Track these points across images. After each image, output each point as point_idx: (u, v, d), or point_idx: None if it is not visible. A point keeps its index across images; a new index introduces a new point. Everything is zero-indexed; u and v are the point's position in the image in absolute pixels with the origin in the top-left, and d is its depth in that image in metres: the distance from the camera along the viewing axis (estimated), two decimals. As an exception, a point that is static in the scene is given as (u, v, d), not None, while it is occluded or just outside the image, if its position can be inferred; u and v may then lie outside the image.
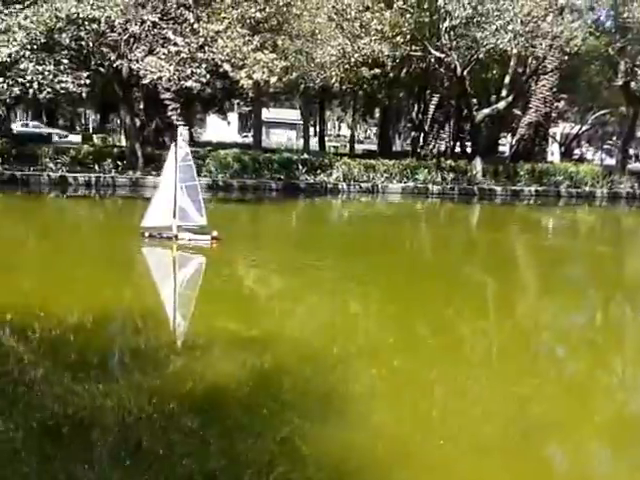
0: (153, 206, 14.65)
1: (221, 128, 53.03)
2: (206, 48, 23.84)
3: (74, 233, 18.25)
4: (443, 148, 39.83)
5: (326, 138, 50.32)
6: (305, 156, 31.18)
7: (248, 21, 25.05)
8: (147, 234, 14.60)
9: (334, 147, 49.80)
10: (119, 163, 28.05)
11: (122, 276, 12.27)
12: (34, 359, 7.68)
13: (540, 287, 13.94)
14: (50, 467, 5.21)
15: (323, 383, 7.25)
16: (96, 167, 27.78)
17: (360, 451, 5.67)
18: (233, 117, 57.38)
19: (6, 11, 22.49)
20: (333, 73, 28.24)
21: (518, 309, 11.89)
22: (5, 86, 23.93)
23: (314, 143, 45.63)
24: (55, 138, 43.47)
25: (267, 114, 48.17)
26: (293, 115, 57.38)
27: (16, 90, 24.11)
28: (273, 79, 25.72)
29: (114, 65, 25.38)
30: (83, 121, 67.95)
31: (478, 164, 31.27)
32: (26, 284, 11.30)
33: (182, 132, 15.26)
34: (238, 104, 53.18)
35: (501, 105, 33.10)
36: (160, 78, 24.01)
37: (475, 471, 5.48)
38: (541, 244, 19.24)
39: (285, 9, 26.49)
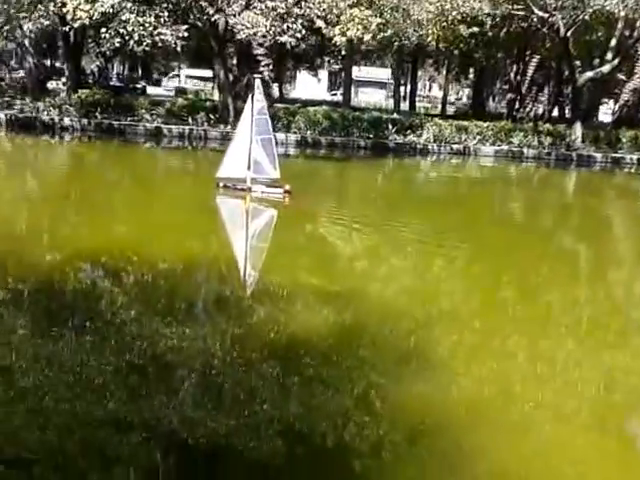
0: (228, 157, 14.81)
1: (311, 85, 52.82)
2: (302, 3, 23.67)
3: (159, 181, 18.95)
4: (541, 111, 38.32)
5: (417, 98, 49.34)
6: (395, 116, 30.66)
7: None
8: (222, 184, 14.80)
9: (425, 108, 48.82)
10: (211, 117, 28.52)
11: (197, 224, 12.43)
12: (125, 301, 8.02)
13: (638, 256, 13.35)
14: (135, 405, 5.43)
15: (404, 342, 7.23)
16: (189, 120, 28.36)
17: (437, 411, 5.66)
18: (323, 75, 57.01)
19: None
20: (429, 31, 27.49)
21: (615, 278, 11.37)
22: (107, 36, 24.69)
23: (404, 103, 44.92)
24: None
25: (357, 72, 47.61)
26: (383, 74, 56.40)
27: (117, 41, 24.84)
28: (367, 36, 25.26)
29: (211, 19, 25.60)
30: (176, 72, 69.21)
31: (578, 129, 29.94)
32: (108, 226, 11.71)
33: (259, 85, 14.99)
34: (329, 62, 52.72)
35: (605, 69, 31.38)
36: (255, 33, 24.08)
37: (554, 438, 5.37)
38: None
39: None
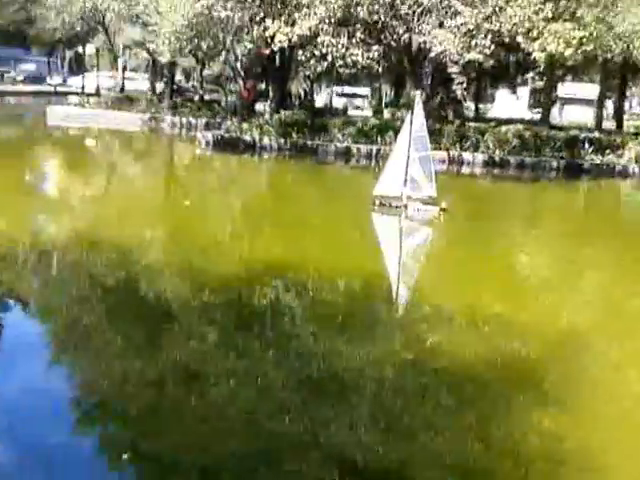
0: (385, 174, 14.83)
1: (510, 103, 51.26)
2: (493, 18, 23.20)
3: (327, 197, 19.32)
4: None
5: (625, 116, 45.74)
6: (593, 134, 28.77)
7: (541, -11, 23.71)
8: (377, 201, 14.86)
9: (635, 127, 45.06)
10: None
11: (357, 240, 12.79)
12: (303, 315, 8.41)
13: None
14: (311, 422, 5.63)
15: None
16: (378, 139, 28.86)
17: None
18: (524, 92, 55.05)
19: (310, -15, 24.31)
20: (637, 44, 25.50)
21: None
22: (304, 58, 26.11)
23: (611, 121, 41.91)
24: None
25: (563, 89, 45.27)
26: (592, 91, 53.07)
27: (313, 62, 26.17)
28: (569, 51, 24.09)
29: (403, 39, 25.98)
30: (378, 95, 70.78)
31: None
32: (284, 239, 12.35)
33: (419, 101, 14.90)
34: (533, 78, 50.72)
35: None
36: (445, 51, 24.04)
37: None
38: None
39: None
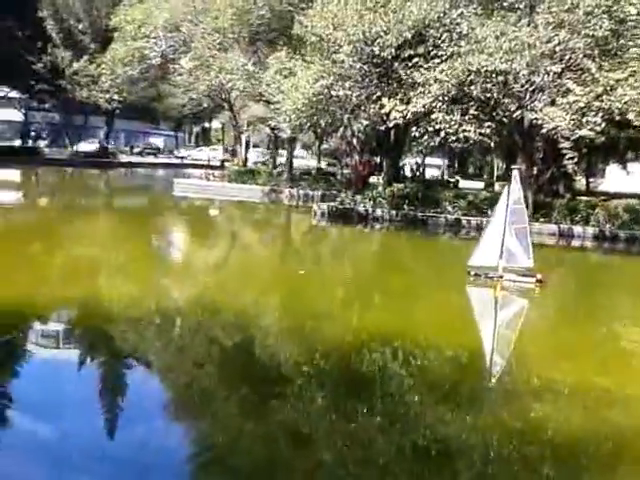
0: (481, 246, 14.99)
1: (620, 178, 50.23)
2: (604, 97, 23.39)
3: (429, 266, 19.67)
4: None
5: None
6: None
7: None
8: (473, 273, 14.96)
9: None
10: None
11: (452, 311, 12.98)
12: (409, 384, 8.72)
13: None
14: None
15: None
16: (489, 212, 29.08)
17: None
18: (635, 167, 53.71)
19: (425, 65, 25.48)
20: None
21: None
22: (417, 134, 27.12)
23: None
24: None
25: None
26: None
27: (426, 138, 27.12)
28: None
29: (515, 115, 26.51)
30: (489, 169, 70.90)
31: None
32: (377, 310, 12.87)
33: (516, 175, 15.14)
34: (647, 155, 49.42)
35: None
36: (557, 127, 24.32)
37: None
38: None
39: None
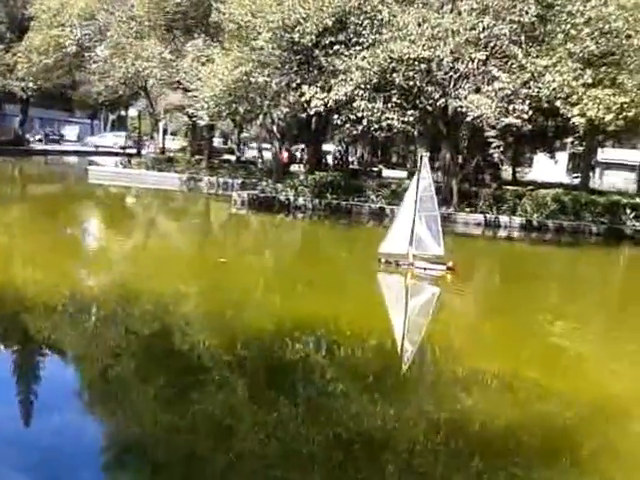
0: (392, 233, 14.86)
1: (548, 168, 51.03)
2: (531, 83, 23.06)
3: (348, 255, 19.49)
4: None
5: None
6: (635, 200, 28.18)
7: (580, 55, 23.59)
8: (384, 260, 14.85)
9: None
10: (434, 198, 28.61)
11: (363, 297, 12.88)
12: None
13: None
14: None
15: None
16: (413, 200, 28.68)
17: None
18: (562, 156, 54.88)
19: (347, 53, 24.61)
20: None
21: None
22: (339, 122, 26.26)
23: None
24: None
25: (603, 155, 44.83)
26: (634, 156, 52.65)
27: (348, 126, 26.30)
28: (609, 117, 23.78)
29: (439, 103, 26.00)
30: (413, 158, 71.21)
31: None
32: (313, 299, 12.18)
33: (426, 163, 15.01)
34: (572, 143, 50.45)
35: None
36: (481, 115, 23.92)
37: None
38: None
39: (626, 41, 24.40)
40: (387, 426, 6.76)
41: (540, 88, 22.97)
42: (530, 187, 30.67)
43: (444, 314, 12.43)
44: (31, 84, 48.63)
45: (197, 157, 45.37)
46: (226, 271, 14.40)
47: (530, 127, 25.16)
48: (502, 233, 26.19)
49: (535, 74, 23.08)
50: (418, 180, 14.77)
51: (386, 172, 50.06)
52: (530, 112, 23.31)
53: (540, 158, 52.78)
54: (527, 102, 23.17)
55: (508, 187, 30.74)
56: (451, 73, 24.72)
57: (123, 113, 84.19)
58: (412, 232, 14.60)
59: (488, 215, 26.90)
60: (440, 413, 7.18)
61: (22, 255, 15.04)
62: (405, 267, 14.78)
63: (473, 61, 24.29)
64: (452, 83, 25.02)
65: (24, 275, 12.81)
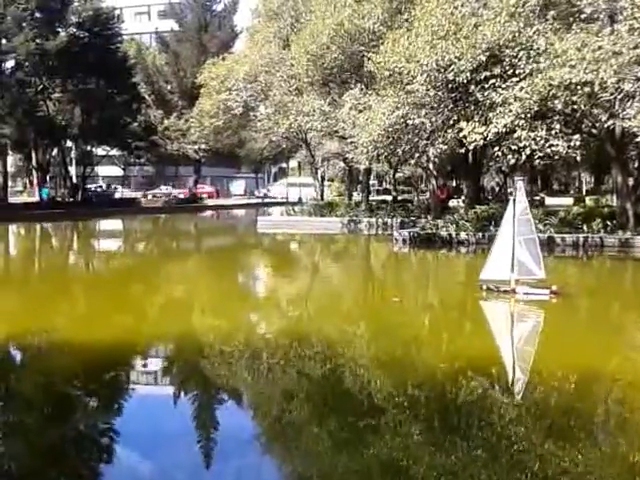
0: (491, 259, 14.59)
1: None
2: None
3: None
4: None
5: None
6: None
7: None
8: (485, 287, 14.61)
9: None
10: (608, 223, 27.44)
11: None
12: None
13: None
14: None
15: None
16: (584, 228, 27.69)
17: None
18: None
19: (503, 85, 24.59)
20: None
21: None
22: (500, 154, 26.12)
23: None
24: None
25: None
26: None
27: (510, 157, 26.07)
28: None
29: (606, 125, 25.16)
30: (577, 184, 68.36)
31: None
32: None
33: (520, 187, 14.63)
34: None
35: None
36: (651, 133, 22.85)
37: None
38: None
39: None
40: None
41: None
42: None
43: (551, 340, 11.65)
44: (203, 145, 53.09)
45: (355, 200, 46.65)
46: (400, 311, 14.47)
47: None
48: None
49: None
50: (515, 203, 14.55)
51: (549, 200, 48.51)
52: None
53: None
54: None
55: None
56: (616, 94, 23.89)
57: (284, 165, 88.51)
58: (513, 257, 14.35)
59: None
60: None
61: (201, 303, 15.97)
62: (508, 293, 14.41)
63: (639, 80, 23.40)
64: (617, 104, 24.18)
65: (201, 321, 13.64)
